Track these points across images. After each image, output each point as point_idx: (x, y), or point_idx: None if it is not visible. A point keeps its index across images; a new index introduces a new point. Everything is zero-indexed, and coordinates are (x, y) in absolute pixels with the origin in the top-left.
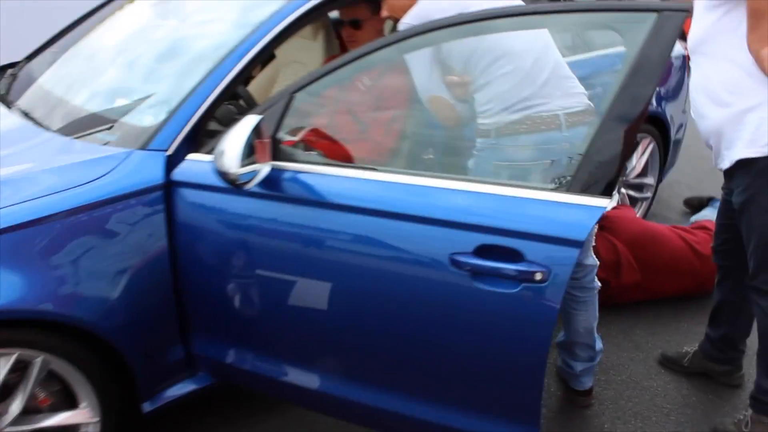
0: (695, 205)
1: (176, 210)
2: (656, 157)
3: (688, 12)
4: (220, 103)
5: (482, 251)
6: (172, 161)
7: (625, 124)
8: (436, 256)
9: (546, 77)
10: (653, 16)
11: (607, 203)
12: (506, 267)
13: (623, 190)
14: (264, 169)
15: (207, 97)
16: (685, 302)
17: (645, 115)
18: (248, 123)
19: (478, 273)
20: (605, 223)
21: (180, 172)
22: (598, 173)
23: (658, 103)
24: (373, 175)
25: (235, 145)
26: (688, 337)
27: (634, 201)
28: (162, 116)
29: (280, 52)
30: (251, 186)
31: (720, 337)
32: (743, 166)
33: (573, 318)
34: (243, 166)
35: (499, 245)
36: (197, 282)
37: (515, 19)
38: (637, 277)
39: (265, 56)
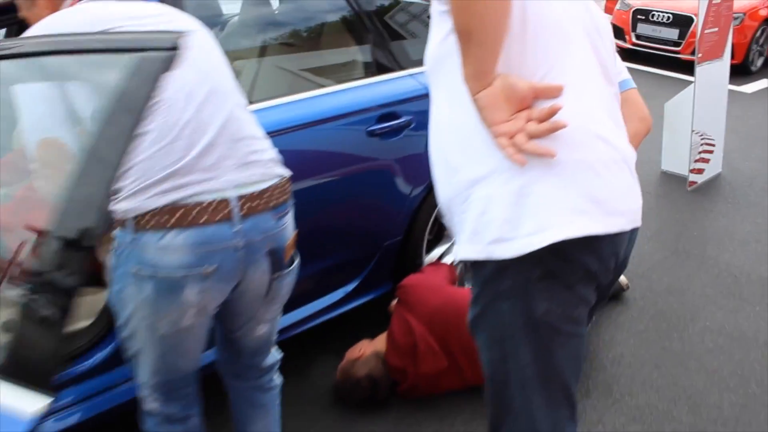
0: None
1: None
2: None
3: (176, 50)
4: None
5: None
6: None
7: (80, 235)
8: None
9: (211, 138)
10: (126, 58)
11: (39, 408)
12: None
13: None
14: None
15: None
16: None
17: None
18: None
19: None
20: (400, 294)
21: None
22: (32, 338)
23: None
24: None
25: None
26: None
27: None
28: None
29: None
30: None
31: None
32: (471, 267)
33: (249, 426)
34: None
35: None
36: None
37: None
38: (440, 363)
39: None
